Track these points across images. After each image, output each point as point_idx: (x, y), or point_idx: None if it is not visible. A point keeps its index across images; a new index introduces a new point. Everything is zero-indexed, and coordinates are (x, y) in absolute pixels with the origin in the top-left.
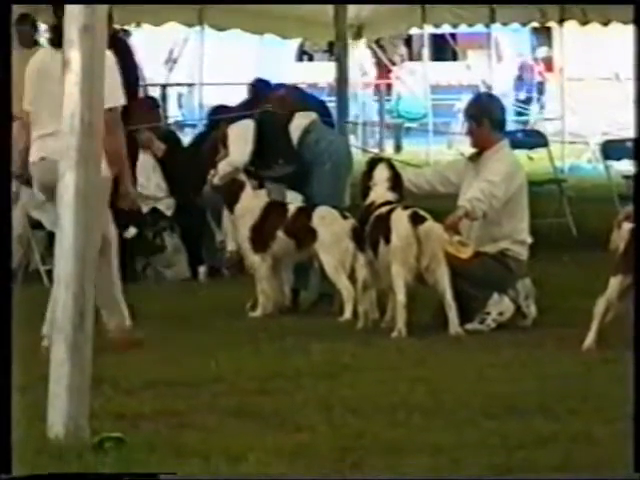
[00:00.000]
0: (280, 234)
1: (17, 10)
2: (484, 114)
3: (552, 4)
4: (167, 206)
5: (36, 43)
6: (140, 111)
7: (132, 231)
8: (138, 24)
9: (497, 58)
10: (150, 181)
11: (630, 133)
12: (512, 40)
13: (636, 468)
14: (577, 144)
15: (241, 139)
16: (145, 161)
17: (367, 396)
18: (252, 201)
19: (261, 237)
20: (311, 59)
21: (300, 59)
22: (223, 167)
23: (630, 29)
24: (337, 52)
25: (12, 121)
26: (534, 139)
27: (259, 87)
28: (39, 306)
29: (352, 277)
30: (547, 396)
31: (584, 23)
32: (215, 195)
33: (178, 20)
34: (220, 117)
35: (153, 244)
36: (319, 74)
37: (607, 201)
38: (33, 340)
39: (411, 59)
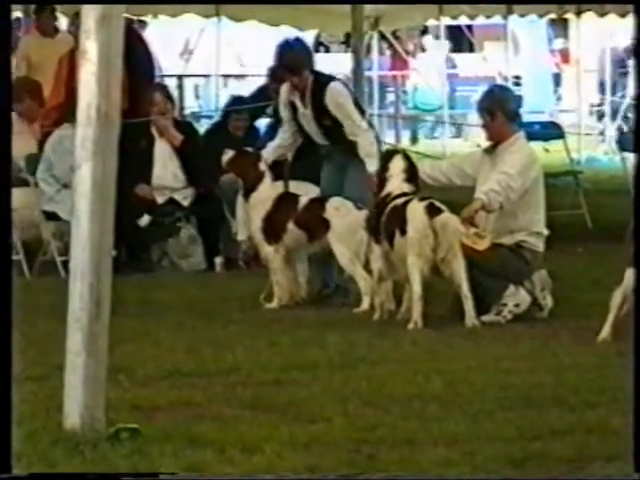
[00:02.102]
0: (291, 226)
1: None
2: (497, 107)
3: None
4: (184, 196)
5: (57, 30)
6: (151, 98)
7: (146, 219)
8: (155, 15)
9: (514, 50)
10: (167, 171)
11: None
12: (529, 32)
13: (636, 468)
14: (593, 136)
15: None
16: (162, 150)
17: (382, 388)
18: (267, 192)
19: (273, 228)
20: (327, 51)
21: (317, 50)
22: (274, 150)
23: None
24: (353, 43)
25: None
26: (550, 131)
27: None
28: (55, 297)
29: (366, 268)
30: (563, 388)
31: (602, 15)
32: (231, 186)
33: (195, 11)
34: (235, 108)
35: (167, 228)
36: (336, 65)
37: (623, 193)
38: (49, 331)
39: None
